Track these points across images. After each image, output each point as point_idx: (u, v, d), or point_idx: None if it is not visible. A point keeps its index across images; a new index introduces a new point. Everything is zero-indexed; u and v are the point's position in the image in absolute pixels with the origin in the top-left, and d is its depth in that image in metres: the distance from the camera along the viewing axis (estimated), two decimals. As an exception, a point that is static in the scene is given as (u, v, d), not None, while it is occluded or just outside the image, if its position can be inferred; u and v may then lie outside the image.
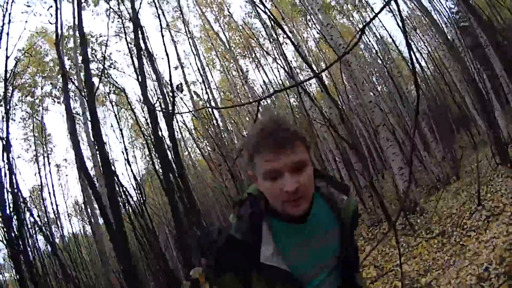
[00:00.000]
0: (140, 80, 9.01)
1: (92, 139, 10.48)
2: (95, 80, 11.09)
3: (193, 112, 12.07)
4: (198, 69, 15.62)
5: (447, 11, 15.13)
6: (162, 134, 11.13)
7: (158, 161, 11.27)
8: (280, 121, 1.16)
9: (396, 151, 8.41)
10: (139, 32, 9.13)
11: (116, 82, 14.20)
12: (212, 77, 18.86)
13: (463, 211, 6.50)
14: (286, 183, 1.09)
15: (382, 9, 2.85)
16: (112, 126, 23.66)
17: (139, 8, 9.57)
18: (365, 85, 9.11)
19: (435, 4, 15.47)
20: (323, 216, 1.28)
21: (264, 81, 20.64)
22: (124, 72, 22.58)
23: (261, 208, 1.24)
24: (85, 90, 9.09)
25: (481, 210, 6.08)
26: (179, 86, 11.20)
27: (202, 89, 16.27)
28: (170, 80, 10.78)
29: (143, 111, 15.42)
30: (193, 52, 15.52)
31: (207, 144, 18.09)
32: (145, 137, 14.64)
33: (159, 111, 10.49)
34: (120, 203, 10.24)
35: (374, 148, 20.58)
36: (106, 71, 13.05)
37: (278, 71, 17.55)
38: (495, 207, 6.00)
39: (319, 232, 1.24)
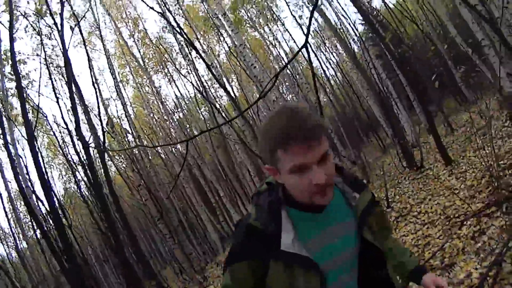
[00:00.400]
0: (75, 119, 8.63)
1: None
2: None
3: (126, 149, 11.72)
4: (115, 85, 15.24)
5: (354, 27, 16.31)
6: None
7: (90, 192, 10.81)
8: (305, 112, 1.10)
9: None
10: (71, 72, 8.74)
11: (32, 101, 13.27)
12: (126, 93, 18.40)
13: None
14: (316, 176, 1.07)
15: (295, 55, 3.17)
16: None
17: (69, 43, 9.18)
18: (277, 103, 9.54)
19: (343, 20, 16.66)
20: (340, 208, 1.27)
21: (176, 96, 20.65)
22: (41, 94, 21.05)
23: (279, 196, 1.24)
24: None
25: (391, 212, 6.55)
26: (109, 121, 10.91)
27: (116, 105, 15.84)
28: (100, 114, 10.47)
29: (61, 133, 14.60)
30: (109, 68, 15.06)
31: (123, 159, 17.64)
32: (68, 158, 14.01)
33: (93, 148, 10.10)
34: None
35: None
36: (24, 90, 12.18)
37: (192, 84, 17.72)
38: (403, 208, 6.48)
39: (335, 223, 1.23)
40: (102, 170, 10.04)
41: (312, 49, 19.55)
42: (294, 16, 18.33)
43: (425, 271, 1.45)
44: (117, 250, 9.03)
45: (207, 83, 16.76)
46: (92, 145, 9.61)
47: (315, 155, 1.06)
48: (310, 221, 1.21)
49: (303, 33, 16.93)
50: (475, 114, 9.56)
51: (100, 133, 9.98)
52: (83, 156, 10.57)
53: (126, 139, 16.70)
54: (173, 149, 18.75)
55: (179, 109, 20.27)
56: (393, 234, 1.59)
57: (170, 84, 19.60)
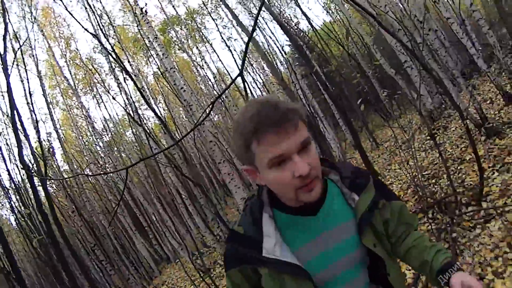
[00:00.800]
0: (18, 146, 8.17)
1: None
2: None
3: (67, 179, 11.18)
4: (48, 106, 14.51)
5: (282, 49, 16.87)
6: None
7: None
8: (275, 99, 1.00)
9: (238, 184, 9.14)
10: (13, 99, 8.15)
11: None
12: (55, 115, 17.60)
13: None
14: (298, 167, 0.95)
15: (230, 85, 3.24)
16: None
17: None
18: (205, 126, 9.60)
19: (271, 42, 17.16)
20: (337, 207, 1.15)
21: (104, 118, 20.16)
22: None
23: (262, 198, 1.15)
24: None
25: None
26: (50, 150, 10.38)
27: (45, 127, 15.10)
28: (40, 144, 10.03)
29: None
30: (42, 89, 14.23)
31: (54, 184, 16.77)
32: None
33: (37, 177, 9.67)
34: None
35: (216, 179, 21.85)
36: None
37: (121, 105, 17.32)
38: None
39: (332, 227, 1.11)
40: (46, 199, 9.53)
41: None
42: (223, 39, 18.68)
43: (453, 269, 1.14)
44: (69, 278, 8.52)
45: (135, 104, 16.51)
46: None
47: (293, 142, 0.95)
48: (301, 225, 1.10)
49: (232, 55, 17.22)
50: (399, 129, 10.30)
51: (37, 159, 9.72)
52: (18, 182, 10.07)
53: (56, 163, 15.95)
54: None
55: (107, 131, 19.73)
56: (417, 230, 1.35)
57: (99, 105, 19.11)
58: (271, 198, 1.14)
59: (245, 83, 2.77)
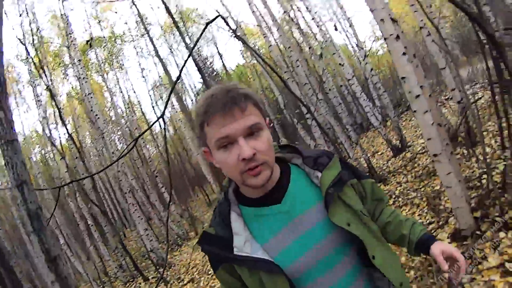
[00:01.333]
0: None
1: None
2: None
3: None
4: None
5: (194, 86, 17.48)
6: None
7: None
8: (230, 84, 1.03)
9: (140, 215, 9.59)
10: None
11: None
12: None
13: (206, 260, 7.70)
14: (242, 150, 0.96)
15: (151, 126, 3.85)
16: None
17: None
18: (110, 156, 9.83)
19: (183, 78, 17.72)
20: (304, 191, 1.12)
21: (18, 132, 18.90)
22: None
23: (228, 197, 1.14)
24: None
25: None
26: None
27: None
28: None
29: None
30: None
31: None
32: None
33: None
34: None
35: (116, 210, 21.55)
36: None
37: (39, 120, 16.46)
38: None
39: (302, 211, 1.08)
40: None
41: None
42: (141, 68, 18.94)
43: (433, 240, 1.22)
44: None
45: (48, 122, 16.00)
46: None
47: (239, 126, 0.97)
48: (268, 217, 1.08)
49: (145, 83, 17.54)
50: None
51: None
52: None
53: None
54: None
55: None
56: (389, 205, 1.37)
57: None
58: (237, 194, 1.15)
59: (165, 126, 3.37)
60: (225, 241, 1.05)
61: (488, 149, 5.16)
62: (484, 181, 3.88)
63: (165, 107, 3.70)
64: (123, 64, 20.04)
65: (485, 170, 3.80)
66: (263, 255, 1.02)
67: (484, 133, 6.30)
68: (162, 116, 3.60)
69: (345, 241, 1.07)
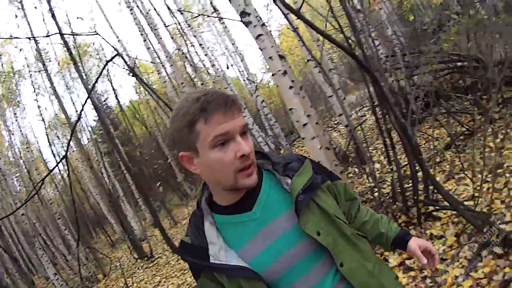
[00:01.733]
0: None
1: None
2: None
3: None
4: None
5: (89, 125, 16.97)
6: None
7: None
8: (211, 89, 1.05)
9: (48, 259, 9.18)
10: None
11: None
12: None
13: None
14: (241, 146, 0.98)
15: (51, 171, 3.86)
16: None
17: None
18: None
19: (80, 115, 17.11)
20: (275, 197, 1.12)
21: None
22: None
23: (201, 206, 1.13)
24: None
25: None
26: None
27: None
28: None
29: None
30: None
31: None
32: None
33: None
34: None
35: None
36: None
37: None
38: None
39: (273, 217, 1.08)
40: None
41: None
42: (38, 106, 17.89)
43: (409, 235, 1.30)
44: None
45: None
46: None
47: (237, 123, 0.99)
48: (240, 224, 1.08)
49: (43, 122, 16.69)
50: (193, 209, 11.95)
51: None
52: None
53: None
54: None
55: None
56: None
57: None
58: (210, 203, 1.15)
59: (68, 168, 3.40)
60: (202, 250, 1.05)
61: (378, 165, 5.83)
62: (376, 194, 4.38)
63: (68, 148, 3.73)
64: (20, 101, 18.81)
65: (374, 185, 4.32)
66: (238, 262, 1.02)
67: (374, 150, 7.11)
68: (65, 157, 3.63)
69: (317, 248, 1.07)
